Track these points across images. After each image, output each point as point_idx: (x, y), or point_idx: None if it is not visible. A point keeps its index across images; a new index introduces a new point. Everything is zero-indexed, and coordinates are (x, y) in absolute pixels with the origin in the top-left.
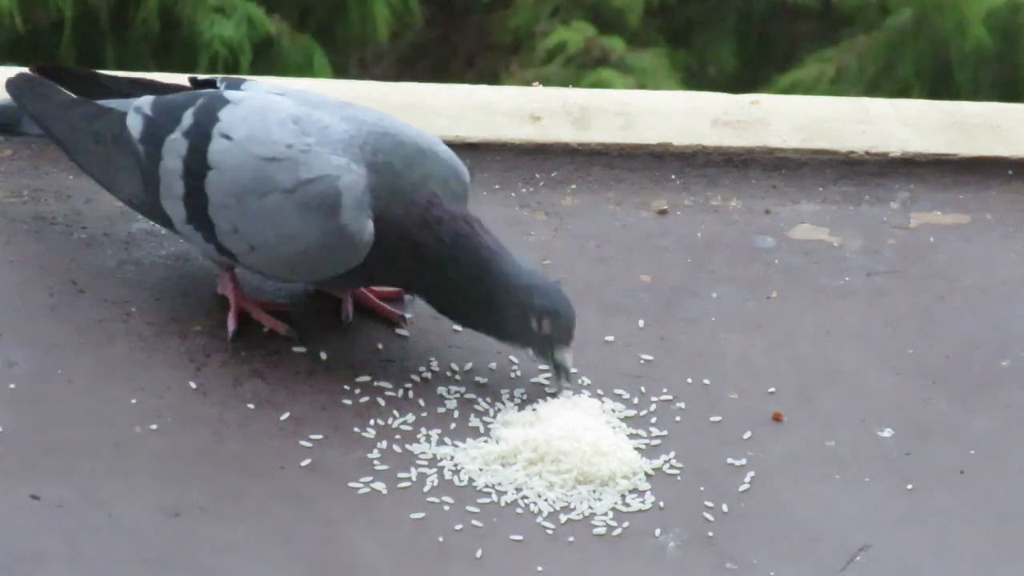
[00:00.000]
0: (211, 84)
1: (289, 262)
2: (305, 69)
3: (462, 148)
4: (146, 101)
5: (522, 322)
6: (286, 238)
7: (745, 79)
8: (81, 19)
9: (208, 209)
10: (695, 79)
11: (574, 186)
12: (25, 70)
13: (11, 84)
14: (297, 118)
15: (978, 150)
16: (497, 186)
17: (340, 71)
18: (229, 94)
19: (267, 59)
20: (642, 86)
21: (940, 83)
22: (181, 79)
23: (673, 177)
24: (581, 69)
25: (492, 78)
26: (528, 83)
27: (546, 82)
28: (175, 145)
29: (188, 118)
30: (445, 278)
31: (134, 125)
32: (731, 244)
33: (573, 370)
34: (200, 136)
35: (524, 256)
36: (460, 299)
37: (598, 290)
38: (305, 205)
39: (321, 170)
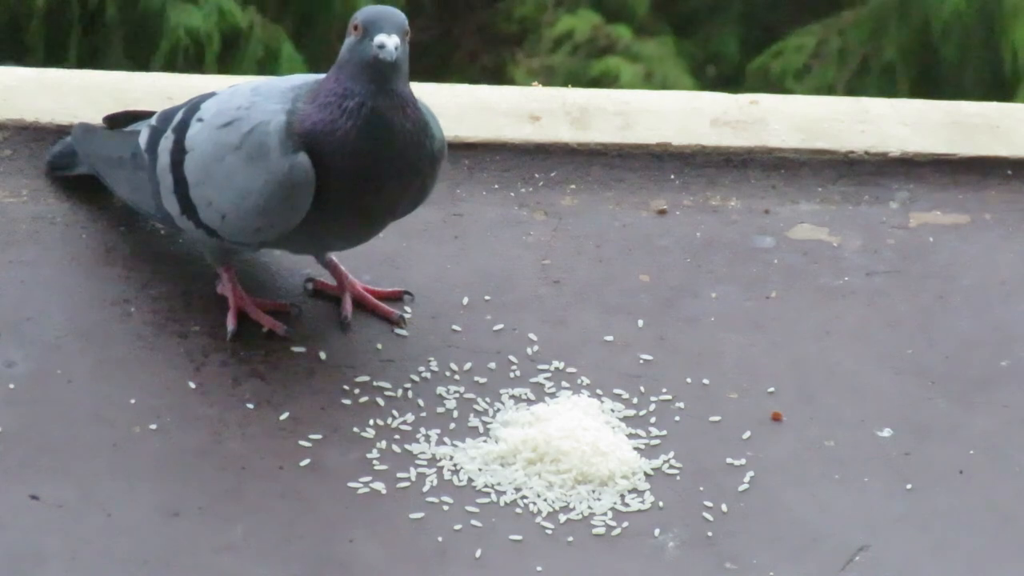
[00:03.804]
0: None
1: (252, 221)
2: (269, 62)
3: (461, 148)
4: (156, 115)
5: (352, 51)
6: (242, 195)
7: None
8: (52, 10)
9: (190, 192)
10: (701, 67)
11: (573, 186)
12: (84, 121)
13: (74, 130)
14: (257, 86)
15: (977, 150)
16: (496, 186)
17: (314, 65)
18: (218, 90)
19: (234, 51)
20: (649, 74)
21: (925, 59)
22: None
23: (672, 177)
24: (588, 57)
25: (497, 70)
26: (534, 72)
27: (552, 71)
28: (166, 143)
29: (177, 117)
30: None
31: (143, 138)
32: (730, 244)
33: (392, 49)
34: (182, 129)
35: None
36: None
37: (597, 290)
38: (248, 157)
39: (257, 119)
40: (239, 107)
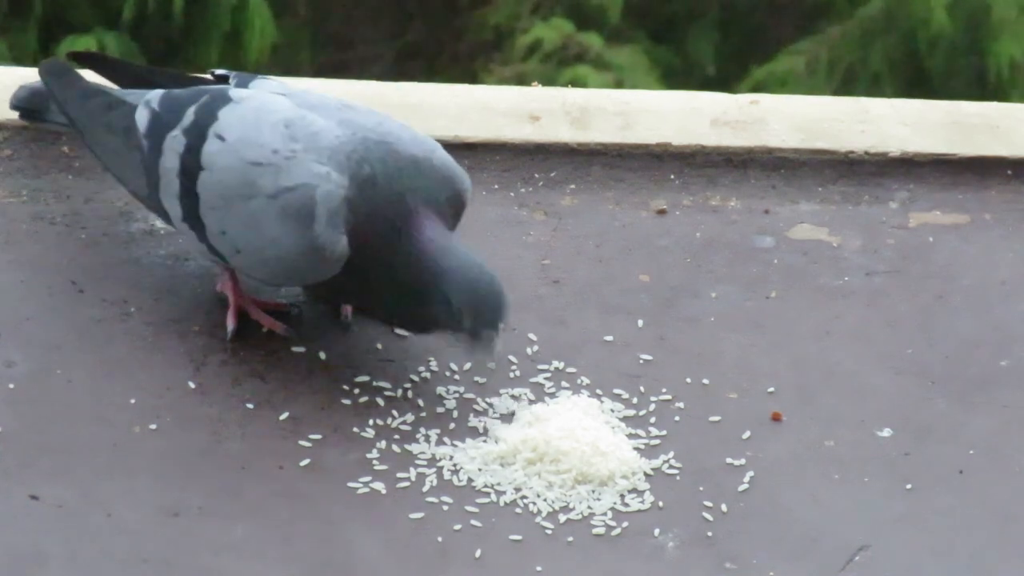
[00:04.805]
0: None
1: (269, 267)
2: (239, 11)
3: (461, 148)
4: (156, 95)
5: (449, 316)
6: (266, 243)
7: (728, 74)
8: None
9: (199, 209)
10: (675, 75)
11: (573, 186)
12: (58, 59)
13: (43, 68)
14: (289, 121)
15: (977, 150)
16: (496, 186)
17: (281, 14)
18: (233, 93)
19: (202, 2)
20: (619, 83)
21: (912, 73)
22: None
23: (672, 177)
24: (559, 66)
25: (473, 77)
26: (505, 81)
27: (524, 80)
28: (174, 142)
29: (189, 116)
30: (397, 283)
31: (141, 119)
32: (730, 244)
33: (492, 365)
34: (197, 135)
35: (470, 251)
36: (405, 300)
37: (597, 290)
38: (284, 212)
39: (301, 178)
40: (276, 151)
